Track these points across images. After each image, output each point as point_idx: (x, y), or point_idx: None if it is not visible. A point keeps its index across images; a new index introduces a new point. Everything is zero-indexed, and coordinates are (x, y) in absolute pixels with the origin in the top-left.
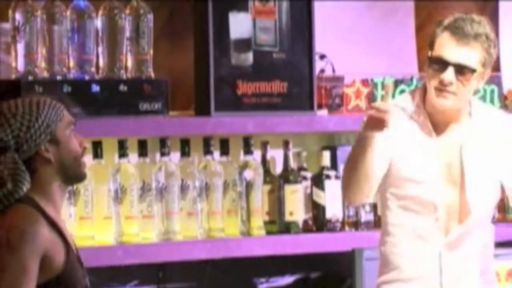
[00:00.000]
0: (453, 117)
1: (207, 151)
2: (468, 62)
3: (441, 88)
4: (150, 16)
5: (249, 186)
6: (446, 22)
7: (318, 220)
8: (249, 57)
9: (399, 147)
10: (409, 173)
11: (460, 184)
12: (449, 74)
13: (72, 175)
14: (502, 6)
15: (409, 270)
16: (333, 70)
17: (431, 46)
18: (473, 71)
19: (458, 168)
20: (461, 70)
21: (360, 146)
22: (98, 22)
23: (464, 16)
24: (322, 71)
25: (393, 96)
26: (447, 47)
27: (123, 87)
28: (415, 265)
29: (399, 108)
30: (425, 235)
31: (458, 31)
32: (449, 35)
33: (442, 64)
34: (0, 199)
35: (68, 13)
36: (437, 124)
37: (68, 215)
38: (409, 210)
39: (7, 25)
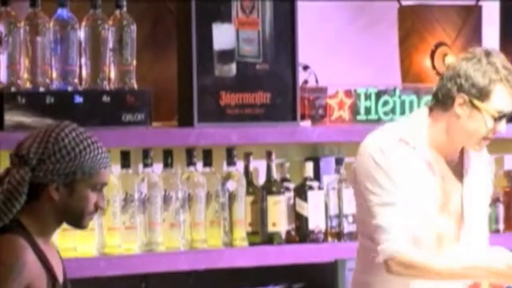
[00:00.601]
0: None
1: (190, 162)
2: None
3: (490, 138)
4: (134, 27)
5: (232, 197)
6: (503, 74)
7: (301, 231)
8: (232, 68)
9: (407, 187)
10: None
11: (458, 215)
12: (503, 126)
13: (71, 223)
14: (485, 16)
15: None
16: (316, 81)
17: (483, 97)
18: None
19: (457, 199)
20: (509, 117)
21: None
22: (81, 33)
23: (505, 65)
24: (306, 82)
25: (376, 108)
26: (507, 101)
27: (106, 98)
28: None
29: (407, 146)
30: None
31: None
32: (507, 89)
33: (500, 118)
34: None
35: (51, 24)
36: (437, 157)
37: None
38: None
39: None
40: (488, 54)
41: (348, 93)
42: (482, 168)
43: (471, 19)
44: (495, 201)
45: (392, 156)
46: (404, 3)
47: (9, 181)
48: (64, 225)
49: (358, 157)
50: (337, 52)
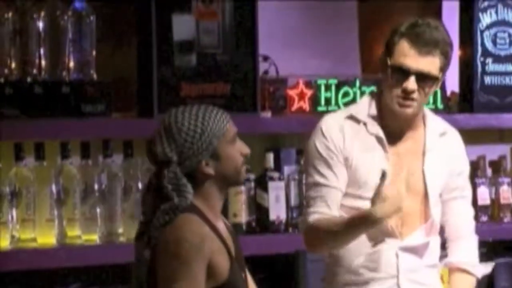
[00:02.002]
0: (410, 124)
1: None
2: (430, 70)
3: (404, 96)
4: (93, 18)
5: None
6: (404, 28)
7: (261, 222)
8: (192, 59)
9: (354, 161)
10: (362, 187)
11: (420, 192)
12: (412, 83)
13: (232, 183)
14: (445, 7)
15: (365, 272)
16: (277, 72)
17: (389, 53)
18: (435, 78)
19: (418, 177)
20: (423, 78)
21: (362, 230)
22: (40, 24)
23: (420, 22)
24: (266, 72)
25: (336, 98)
26: (408, 56)
27: (65, 89)
28: (370, 267)
29: (353, 121)
30: (380, 238)
31: (418, 39)
32: (409, 43)
33: (403, 73)
34: (167, 212)
35: (10, 14)
36: (394, 132)
37: (10, 217)
38: None
39: None
40: (413, 19)
41: (308, 84)
42: (445, 154)
43: (431, 10)
44: None
45: (334, 135)
46: None
47: (169, 182)
48: (24, 215)
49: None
50: (298, 43)
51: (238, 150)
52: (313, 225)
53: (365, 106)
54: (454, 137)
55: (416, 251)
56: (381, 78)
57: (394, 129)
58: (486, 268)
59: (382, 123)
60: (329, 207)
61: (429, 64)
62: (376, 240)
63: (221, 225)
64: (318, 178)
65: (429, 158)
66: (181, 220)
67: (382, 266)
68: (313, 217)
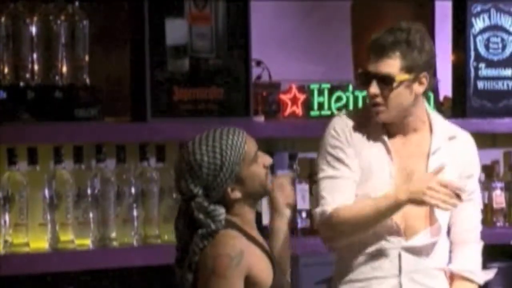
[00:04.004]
0: (411, 128)
1: (143, 157)
2: (386, 71)
3: (373, 102)
4: (86, 22)
5: None
6: (372, 38)
7: None
8: (185, 64)
9: (360, 162)
10: (368, 190)
11: None
12: (372, 87)
13: (260, 196)
14: (438, 12)
15: (368, 271)
16: (270, 77)
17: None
18: (392, 79)
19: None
20: (383, 80)
21: (386, 213)
22: (33, 28)
23: (392, 28)
24: (259, 77)
25: (329, 103)
26: (369, 62)
27: (58, 94)
28: (373, 266)
29: (359, 124)
30: (384, 237)
31: (375, 44)
32: (371, 49)
33: (365, 78)
34: (206, 237)
35: (3, 19)
36: (398, 136)
37: (2, 222)
38: None
39: None
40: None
41: (301, 88)
42: (455, 158)
43: (424, 14)
44: None
45: (343, 131)
46: None
47: (199, 211)
48: (16, 220)
49: None
50: (290, 48)
51: (261, 165)
52: (332, 214)
53: (368, 111)
54: (465, 140)
55: (420, 252)
56: None
57: (397, 133)
58: (488, 275)
59: (386, 128)
60: (346, 198)
61: (385, 65)
62: (380, 239)
63: (257, 233)
64: (332, 171)
65: (433, 160)
66: (219, 236)
67: (385, 265)
68: (331, 207)
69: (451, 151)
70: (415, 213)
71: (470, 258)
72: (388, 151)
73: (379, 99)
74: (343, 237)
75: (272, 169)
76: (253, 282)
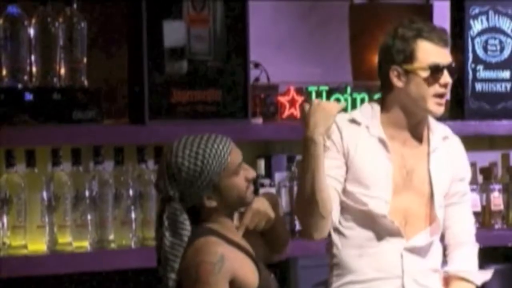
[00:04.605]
0: (418, 128)
1: (141, 159)
2: (452, 61)
3: (442, 93)
4: (84, 24)
5: None
6: (414, 32)
7: None
8: (183, 66)
9: (356, 161)
10: (367, 188)
11: (425, 193)
12: (447, 76)
13: (237, 207)
14: (436, 14)
15: (370, 272)
16: (268, 79)
17: (410, 59)
18: (456, 69)
19: (423, 178)
20: (452, 70)
21: (309, 160)
22: (31, 30)
23: (414, 21)
24: (257, 79)
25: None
26: (435, 53)
27: (56, 96)
28: (375, 267)
29: (354, 123)
30: (385, 238)
31: (434, 36)
32: (429, 42)
33: (437, 70)
34: (167, 251)
35: (1, 21)
36: (396, 135)
37: (1, 224)
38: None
39: None
40: (405, 23)
41: (299, 90)
42: (449, 158)
43: (422, 17)
44: None
45: (332, 131)
46: (355, 1)
47: (167, 217)
48: (14, 222)
49: None
50: (289, 50)
51: (242, 178)
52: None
53: (367, 112)
54: (456, 142)
55: (421, 252)
56: (396, 87)
57: (397, 133)
58: (485, 275)
59: (384, 128)
60: None
61: (449, 55)
62: (381, 240)
63: (239, 237)
64: None
65: (434, 158)
66: (199, 244)
67: (387, 266)
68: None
69: (445, 151)
70: (415, 213)
71: (466, 259)
72: (387, 150)
73: (447, 90)
74: (312, 217)
75: (270, 171)
76: (238, 286)
